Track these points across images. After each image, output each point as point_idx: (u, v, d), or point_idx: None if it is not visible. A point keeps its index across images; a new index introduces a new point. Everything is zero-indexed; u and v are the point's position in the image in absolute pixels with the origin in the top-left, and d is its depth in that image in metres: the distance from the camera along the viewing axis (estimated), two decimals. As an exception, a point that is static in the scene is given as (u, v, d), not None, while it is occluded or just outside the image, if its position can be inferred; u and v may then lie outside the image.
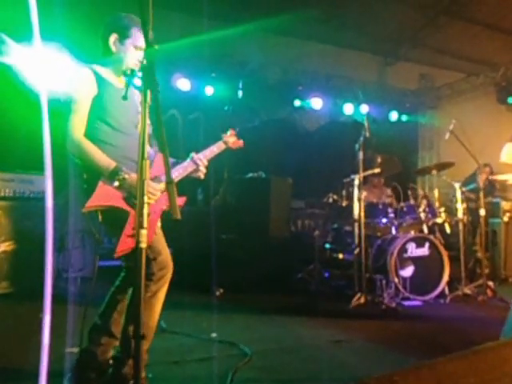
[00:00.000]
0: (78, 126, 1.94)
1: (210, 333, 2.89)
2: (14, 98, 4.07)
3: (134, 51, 2.08)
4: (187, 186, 2.23)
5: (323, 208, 5.11)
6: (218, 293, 4.02)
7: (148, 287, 1.94)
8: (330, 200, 4.89)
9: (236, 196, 4.50)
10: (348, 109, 7.38)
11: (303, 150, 6.49)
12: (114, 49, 2.08)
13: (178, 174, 2.10)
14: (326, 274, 4.67)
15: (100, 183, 1.89)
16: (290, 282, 4.61)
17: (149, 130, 2.26)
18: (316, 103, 7.18)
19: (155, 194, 1.97)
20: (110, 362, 2.13)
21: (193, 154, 2.19)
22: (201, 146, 2.28)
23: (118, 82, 2.14)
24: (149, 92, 1.38)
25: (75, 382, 2.07)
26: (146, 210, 1.37)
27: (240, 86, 6.04)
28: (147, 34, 1.38)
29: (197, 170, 2.16)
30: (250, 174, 4.36)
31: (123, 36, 2.06)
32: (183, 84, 6.19)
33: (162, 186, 1.99)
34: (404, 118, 7.85)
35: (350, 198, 4.79)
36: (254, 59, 6.72)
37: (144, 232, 1.36)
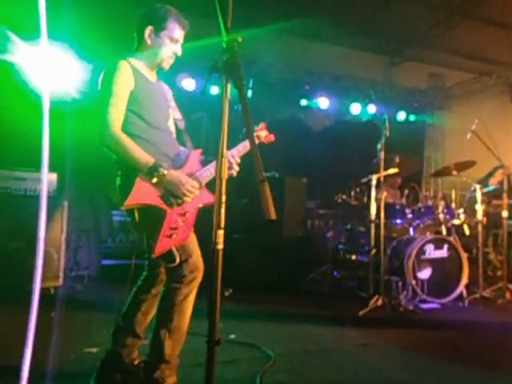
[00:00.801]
0: (116, 119, 1.89)
1: (227, 334, 2.84)
2: (17, 96, 4.04)
3: (169, 44, 2.05)
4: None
5: (333, 208, 5.07)
6: (226, 293, 3.97)
7: (179, 290, 1.91)
8: (340, 200, 4.86)
9: (249, 196, 4.45)
10: (355, 109, 7.38)
11: (313, 150, 6.46)
12: (149, 42, 2.04)
13: (209, 172, 2.05)
14: (337, 275, 4.62)
15: (138, 179, 1.85)
16: (302, 282, 4.56)
17: (181, 125, 2.25)
18: (323, 103, 7.18)
19: (193, 192, 1.94)
20: (135, 362, 2.11)
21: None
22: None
23: (152, 77, 2.12)
24: (228, 86, 1.34)
25: (101, 383, 2.04)
26: (223, 210, 1.33)
27: (250, 85, 6.00)
28: (226, 25, 1.34)
29: (229, 167, 2.09)
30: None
31: (159, 28, 2.02)
32: (188, 84, 6.17)
33: (198, 184, 1.98)
34: (412, 117, 7.84)
35: (358, 198, 4.77)
36: (261, 58, 6.70)
37: (221, 233, 1.32)
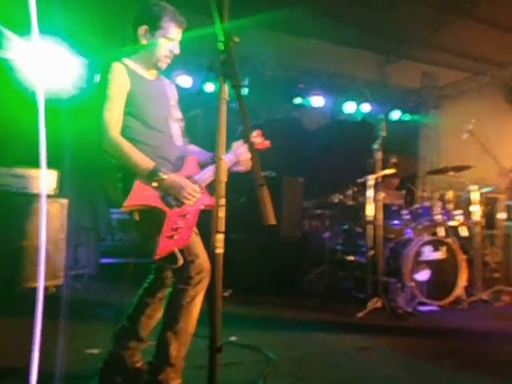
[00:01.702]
0: (114, 123, 1.88)
1: (228, 335, 2.84)
2: (13, 93, 3.98)
3: (165, 43, 2.02)
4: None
5: (330, 208, 5.08)
6: (226, 294, 3.96)
7: (186, 292, 1.90)
8: (336, 200, 4.87)
9: (247, 195, 4.43)
10: (349, 107, 7.41)
11: (308, 149, 6.47)
12: (143, 41, 2.01)
13: (208, 176, 2.05)
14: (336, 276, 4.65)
15: (137, 182, 1.86)
16: (299, 283, 4.57)
17: (181, 124, 2.23)
18: (317, 101, 7.19)
19: (195, 196, 1.94)
20: (137, 365, 2.11)
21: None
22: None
23: (150, 76, 2.09)
24: (225, 87, 1.34)
25: None
26: (221, 213, 1.32)
27: (246, 82, 5.98)
28: (222, 25, 1.33)
29: (236, 164, 2.12)
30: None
31: (154, 27, 1.99)
32: (184, 81, 6.13)
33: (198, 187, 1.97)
34: (406, 117, 7.90)
35: (355, 198, 4.79)
36: (255, 56, 6.68)
37: (220, 237, 1.31)
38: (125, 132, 1.91)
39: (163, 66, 2.08)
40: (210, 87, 6.38)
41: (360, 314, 3.58)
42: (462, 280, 4.02)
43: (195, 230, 2.01)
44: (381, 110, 7.43)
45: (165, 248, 1.84)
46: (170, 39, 2.01)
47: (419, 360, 2.68)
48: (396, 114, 7.77)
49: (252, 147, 1.34)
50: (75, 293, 3.99)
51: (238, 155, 2.12)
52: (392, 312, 3.69)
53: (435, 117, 8.05)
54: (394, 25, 7.17)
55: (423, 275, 4.03)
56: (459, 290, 4.00)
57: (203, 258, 1.95)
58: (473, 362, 2.67)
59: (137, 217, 1.92)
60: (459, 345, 3.02)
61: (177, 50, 2.06)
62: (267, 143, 2.37)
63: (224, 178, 1.35)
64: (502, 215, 4.27)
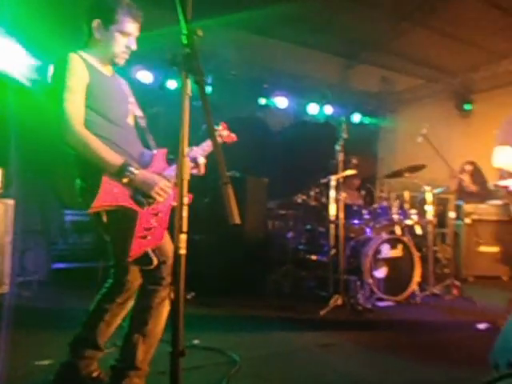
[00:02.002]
0: (77, 117, 1.80)
1: (191, 339, 2.84)
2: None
3: (120, 38, 1.95)
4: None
5: (293, 209, 5.21)
6: (189, 296, 3.98)
7: (156, 293, 1.88)
8: (300, 200, 5.01)
9: (211, 195, 4.47)
10: (312, 109, 7.60)
11: (272, 150, 6.58)
12: (97, 35, 1.94)
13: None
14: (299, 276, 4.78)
15: (104, 180, 1.77)
16: (263, 283, 4.66)
17: (142, 123, 2.21)
18: (281, 102, 7.33)
19: (167, 192, 1.89)
20: (94, 375, 2.05)
21: (192, 148, 2.11)
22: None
23: (107, 71, 2.03)
24: (188, 82, 1.33)
25: None
26: (185, 213, 1.31)
27: (209, 80, 6.00)
28: (185, 18, 1.31)
29: (195, 166, 2.10)
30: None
31: (107, 21, 1.92)
32: (144, 76, 6.08)
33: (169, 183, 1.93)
34: (366, 120, 8.22)
35: (317, 198, 4.96)
36: (219, 54, 6.71)
37: (184, 237, 1.31)
38: (86, 126, 1.82)
39: (120, 61, 2.01)
40: (172, 84, 6.36)
41: (322, 312, 3.72)
42: (417, 276, 4.27)
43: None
44: (342, 113, 7.69)
45: (138, 249, 1.79)
46: (125, 34, 1.94)
47: (379, 353, 2.83)
48: (357, 117, 8.07)
49: (216, 144, 1.33)
50: (23, 301, 3.82)
51: (205, 149, 2.10)
52: (352, 309, 3.86)
53: (392, 120, 8.42)
54: (355, 30, 7.43)
55: (381, 272, 4.24)
56: (413, 285, 4.24)
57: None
58: (428, 351, 2.85)
59: (105, 218, 1.85)
60: (415, 337, 3.21)
61: (134, 46, 1.99)
62: (234, 136, 2.36)
63: (187, 175, 1.34)
64: (452, 214, 4.56)
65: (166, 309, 1.93)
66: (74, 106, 1.81)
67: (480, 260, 5.48)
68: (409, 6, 6.91)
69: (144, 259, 1.84)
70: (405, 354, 2.81)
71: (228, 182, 1.24)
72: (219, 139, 2.26)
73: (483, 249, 5.52)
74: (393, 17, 7.19)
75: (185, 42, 1.33)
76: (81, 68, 1.86)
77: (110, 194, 1.79)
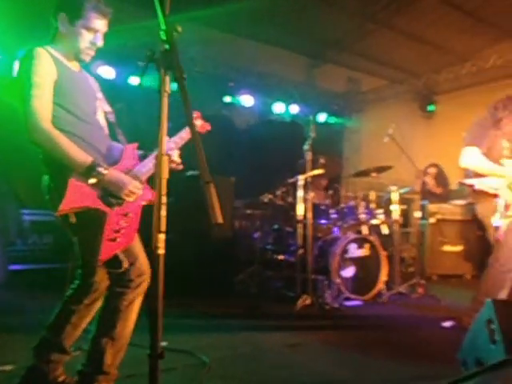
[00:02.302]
0: (44, 113, 1.75)
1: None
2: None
3: (86, 34, 1.91)
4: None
5: (260, 208, 5.16)
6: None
7: (124, 295, 1.85)
8: (266, 200, 4.97)
9: (176, 195, 4.33)
10: (278, 108, 7.60)
11: (238, 148, 6.51)
12: (63, 30, 1.90)
13: (148, 168, 1.98)
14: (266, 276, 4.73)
15: (71, 181, 1.73)
16: (230, 284, 4.59)
17: (112, 118, 2.13)
18: (247, 100, 7.28)
19: (136, 193, 1.86)
20: (60, 379, 1.98)
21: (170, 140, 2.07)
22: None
23: (74, 66, 1.99)
24: (167, 79, 1.32)
25: None
26: (163, 212, 1.30)
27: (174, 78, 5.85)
28: (164, 13, 1.30)
29: (170, 161, 2.03)
30: (190, 172, 4.23)
31: (74, 16, 1.88)
32: (106, 72, 5.89)
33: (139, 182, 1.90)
34: (331, 119, 8.30)
35: (284, 198, 4.93)
36: (184, 51, 6.59)
37: (162, 237, 1.28)
38: (54, 123, 1.79)
39: (86, 58, 1.98)
40: (134, 80, 6.28)
41: (290, 312, 3.69)
42: (383, 275, 4.31)
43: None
44: (308, 112, 7.73)
45: (108, 252, 1.76)
46: (91, 30, 1.91)
47: (348, 352, 2.83)
48: (322, 117, 8.13)
49: (197, 140, 1.29)
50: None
51: (176, 141, 2.06)
52: (320, 308, 3.86)
53: (358, 120, 8.55)
54: (321, 29, 7.48)
55: (348, 272, 4.26)
56: (380, 284, 4.28)
57: (143, 260, 1.90)
58: (396, 349, 2.88)
59: (73, 220, 1.79)
60: (383, 335, 3.24)
61: (100, 42, 1.97)
62: (208, 126, 2.33)
63: (166, 174, 1.32)
64: (417, 214, 4.64)
65: (134, 311, 1.90)
66: (42, 103, 1.77)
67: (444, 259, 5.64)
68: (374, 7, 7.03)
69: (113, 262, 1.81)
70: (374, 352, 2.83)
71: (210, 180, 1.22)
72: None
73: (447, 248, 5.67)
74: (358, 17, 7.30)
75: (163, 37, 1.32)
76: (48, 63, 1.82)
77: (77, 196, 1.75)
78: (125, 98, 5.79)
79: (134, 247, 1.89)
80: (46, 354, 1.95)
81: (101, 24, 1.93)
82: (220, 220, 1.21)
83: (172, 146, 2.04)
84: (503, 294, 2.98)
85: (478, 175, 3.07)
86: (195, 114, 2.26)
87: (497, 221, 2.89)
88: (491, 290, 3.02)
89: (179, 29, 1.34)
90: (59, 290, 2.09)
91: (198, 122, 2.27)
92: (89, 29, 1.90)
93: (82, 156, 1.76)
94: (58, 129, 1.78)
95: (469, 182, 3.09)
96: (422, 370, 2.47)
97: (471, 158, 3.00)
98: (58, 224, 1.89)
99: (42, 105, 1.76)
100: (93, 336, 1.88)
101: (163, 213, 1.30)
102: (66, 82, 1.87)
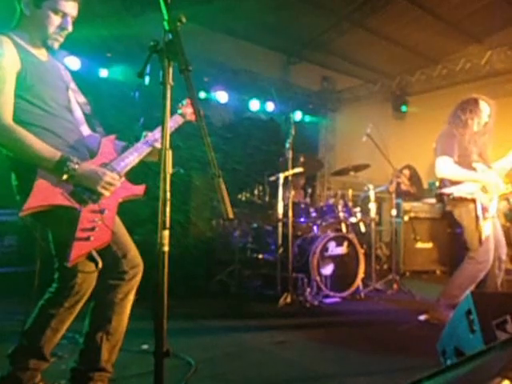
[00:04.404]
0: (4, 109, 1.66)
1: (139, 344, 2.73)
2: None
3: (53, 17, 1.80)
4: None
5: (238, 207, 5.19)
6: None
7: (119, 288, 1.82)
8: (243, 199, 5.01)
9: (150, 193, 4.30)
10: (254, 105, 7.62)
11: (215, 146, 6.48)
12: (27, 13, 1.79)
13: (132, 158, 1.91)
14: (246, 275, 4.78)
15: (38, 178, 1.64)
16: (210, 284, 4.61)
17: (87, 109, 2.07)
18: (222, 97, 7.26)
19: (114, 185, 1.78)
20: None
21: (146, 133, 2.01)
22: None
23: (41, 56, 1.88)
24: (170, 70, 1.32)
25: None
26: (168, 208, 1.29)
27: (148, 71, 5.76)
28: (167, 3, 1.30)
29: (155, 152, 1.98)
30: (173, 169, 4.22)
31: None
32: (71, 62, 5.71)
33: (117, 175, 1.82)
34: (307, 118, 8.41)
35: (262, 197, 4.99)
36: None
37: (167, 233, 1.28)
38: (17, 116, 1.69)
39: (54, 44, 1.86)
40: (103, 73, 6.11)
41: (273, 310, 3.76)
42: (361, 272, 4.45)
43: (118, 221, 1.89)
44: (284, 110, 7.82)
45: (79, 252, 1.67)
46: (59, 13, 1.79)
47: (332, 347, 2.93)
48: (298, 115, 8.23)
49: (205, 134, 1.33)
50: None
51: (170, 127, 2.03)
52: (301, 306, 3.95)
53: (333, 120, 8.71)
54: (296, 27, 7.57)
55: (328, 269, 4.37)
56: (358, 281, 4.42)
57: (134, 252, 1.87)
58: (377, 343, 3.01)
59: (42, 219, 1.73)
60: (364, 330, 3.37)
61: (69, 27, 1.85)
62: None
63: (170, 169, 1.31)
64: (392, 212, 4.82)
65: (129, 304, 1.87)
66: (3, 98, 1.67)
67: (417, 256, 5.88)
68: (349, 7, 7.19)
69: (87, 262, 1.77)
70: (356, 346, 2.94)
71: (220, 175, 1.24)
72: (183, 118, 2.15)
73: (420, 245, 5.90)
74: (334, 16, 7.45)
75: (167, 27, 1.31)
76: (11, 53, 1.71)
77: (44, 194, 1.65)
78: (92, 91, 5.66)
79: (124, 239, 1.85)
80: (23, 361, 1.87)
81: (70, 6, 1.82)
82: (231, 215, 1.23)
83: (157, 138, 1.97)
84: (472, 287, 3.19)
85: (454, 183, 3.25)
86: (187, 101, 2.16)
87: (479, 223, 3.08)
88: (465, 283, 3.22)
89: (183, 19, 1.33)
90: (24, 295, 2.01)
91: (189, 110, 2.16)
92: (56, 11, 1.78)
93: (49, 152, 1.67)
94: (23, 123, 1.70)
95: (447, 191, 3.26)
96: (403, 362, 2.59)
97: (446, 167, 3.18)
98: (22, 225, 1.85)
99: (4, 100, 1.66)
100: (86, 332, 1.84)
101: (167, 209, 1.30)
102: (31, 72, 1.76)
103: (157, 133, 1.99)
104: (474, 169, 3.23)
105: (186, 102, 2.17)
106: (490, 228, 3.15)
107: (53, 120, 1.80)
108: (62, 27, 1.82)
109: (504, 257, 3.30)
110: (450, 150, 3.20)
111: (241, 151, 6.56)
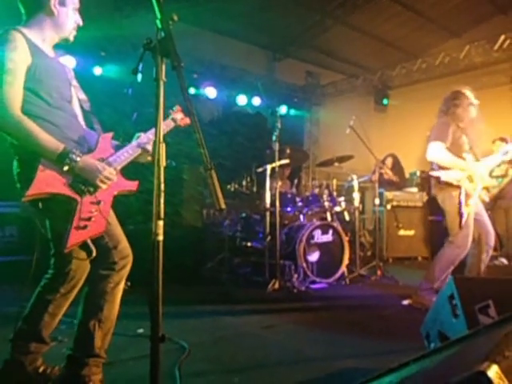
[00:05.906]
0: (14, 100, 1.67)
1: (135, 329, 2.74)
2: None
3: (73, 14, 1.88)
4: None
5: (227, 197, 5.18)
6: (125, 286, 3.80)
7: (110, 277, 1.83)
8: (232, 189, 5.01)
9: (142, 184, 4.26)
10: (241, 100, 7.61)
11: (204, 139, 6.45)
12: (54, 12, 1.84)
13: (124, 157, 1.94)
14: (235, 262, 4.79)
15: (40, 167, 1.67)
16: (201, 271, 4.60)
17: (86, 106, 2.07)
18: (210, 92, 7.24)
19: (111, 179, 1.82)
20: (40, 370, 1.94)
21: (139, 135, 2.04)
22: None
23: (49, 51, 1.91)
24: (163, 67, 1.32)
25: None
26: (162, 199, 1.30)
27: (140, 68, 5.69)
28: (159, 2, 1.29)
29: (146, 153, 2.02)
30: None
31: None
32: (67, 61, 5.65)
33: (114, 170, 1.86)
34: (292, 112, 8.42)
35: (249, 187, 4.99)
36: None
37: (161, 223, 1.29)
38: (24, 108, 1.71)
39: (72, 39, 1.95)
40: (98, 71, 6.10)
41: (261, 296, 3.77)
42: (345, 259, 4.48)
43: (111, 213, 1.90)
44: (270, 104, 7.80)
45: (76, 239, 1.72)
46: (76, 9, 1.89)
47: (319, 331, 2.94)
48: (283, 109, 8.23)
49: (198, 129, 1.33)
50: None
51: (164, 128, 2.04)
52: (288, 291, 3.96)
53: (317, 113, 8.72)
54: (281, 24, 7.54)
55: (314, 256, 4.39)
56: (343, 267, 4.45)
57: (125, 243, 1.89)
58: (364, 327, 3.03)
59: (41, 207, 1.74)
60: (349, 314, 3.39)
61: (81, 21, 1.94)
62: (187, 120, 2.28)
63: (164, 162, 1.32)
64: (376, 201, 4.85)
65: (119, 293, 1.89)
66: (14, 90, 1.69)
67: (399, 243, 5.94)
68: (332, 4, 7.18)
69: (82, 250, 1.80)
70: (343, 330, 2.96)
71: (212, 167, 1.24)
72: (172, 123, 2.20)
73: (402, 232, 5.97)
74: (317, 13, 7.43)
75: (159, 26, 1.31)
76: (23, 47, 1.73)
77: (46, 182, 1.69)
78: (87, 89, 5.60)
79: (115, 231, 1.87)
80: (23, 344, 1.90)
81: (78, 3, 1.92)
82: (223, 205, 1.22)
83: (151, 138, 2.01)
84: (450, 270, 3.25)
85: (442, 168, 3.27)
86: (176, 108, 2.23)
87: (461, 209, 3.11)
88: (444, 266, 3.26)
89: (175, 17, 1.33)
90: (25, 283, 2.01)
91: (179, 116, 2.22)
92: (76, 8, 1.88)
93: (53, 143, 1.70)
94: (30, 115, 1.72)
95: (435, 174, 3.28)
96: (388, 345, 2.60)
97: (437, 152, 3.19)
98: (23, 215, 1.85)
99: (14, 92, 1.68)
100: (79, 320, 1.85)
101: (162, 200, 1.30)
102: (40, 67, 1.78)
103: (149, 135, 2.03)
104: (464, 158, 3.26)
105: (176, 108, 2.24)
106: (471, 215, 3.18)
107: (57, 114, 1.83)
108: (77, 22, 1.93)
109: (492, 244, 3.33)
110: (444, 137, 3.22)
111: (229, 144, 6.53)
